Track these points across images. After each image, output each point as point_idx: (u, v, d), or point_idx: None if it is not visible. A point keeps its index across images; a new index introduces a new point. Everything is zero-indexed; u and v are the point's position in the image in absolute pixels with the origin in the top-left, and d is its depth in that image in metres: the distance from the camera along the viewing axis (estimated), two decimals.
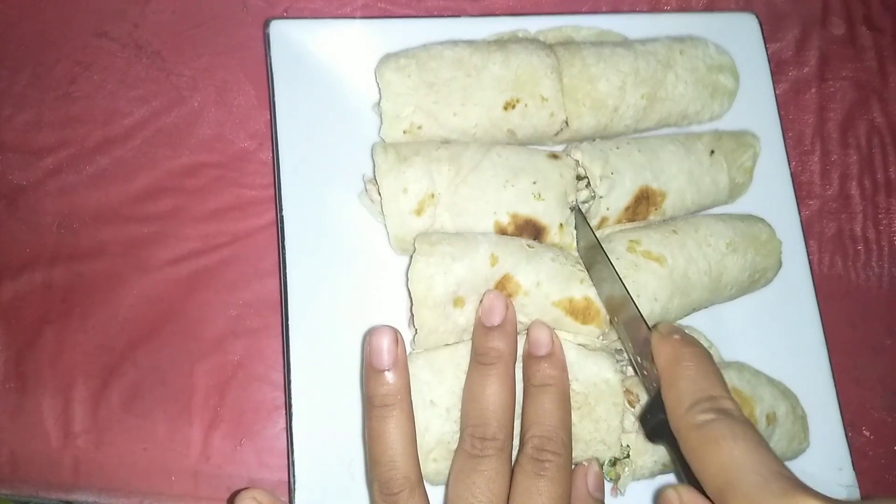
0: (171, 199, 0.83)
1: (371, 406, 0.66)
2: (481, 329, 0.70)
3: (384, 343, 0.66)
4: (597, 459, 0.71)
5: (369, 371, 0.67)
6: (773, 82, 0.91)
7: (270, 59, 0.77)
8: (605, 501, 0.70)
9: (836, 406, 0.81)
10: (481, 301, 0.70)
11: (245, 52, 0.87)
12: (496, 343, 0.68)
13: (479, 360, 0.69)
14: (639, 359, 0.68)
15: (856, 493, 0.79)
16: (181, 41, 0.87)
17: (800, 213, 0.85)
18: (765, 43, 0.89)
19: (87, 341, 0.79)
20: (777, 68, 0.96)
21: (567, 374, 0.70)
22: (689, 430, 0.55)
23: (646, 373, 0.67)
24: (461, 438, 0.67)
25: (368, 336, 0.67)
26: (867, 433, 0.87)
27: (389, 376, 0.66)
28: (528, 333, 0.71)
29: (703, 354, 0.60)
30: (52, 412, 0.77)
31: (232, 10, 0.88)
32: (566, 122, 0.79)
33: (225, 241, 0.82)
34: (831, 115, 0.96)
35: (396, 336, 0.66)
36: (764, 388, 0.76)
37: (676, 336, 0.61)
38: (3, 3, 0.86)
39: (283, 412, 0.75)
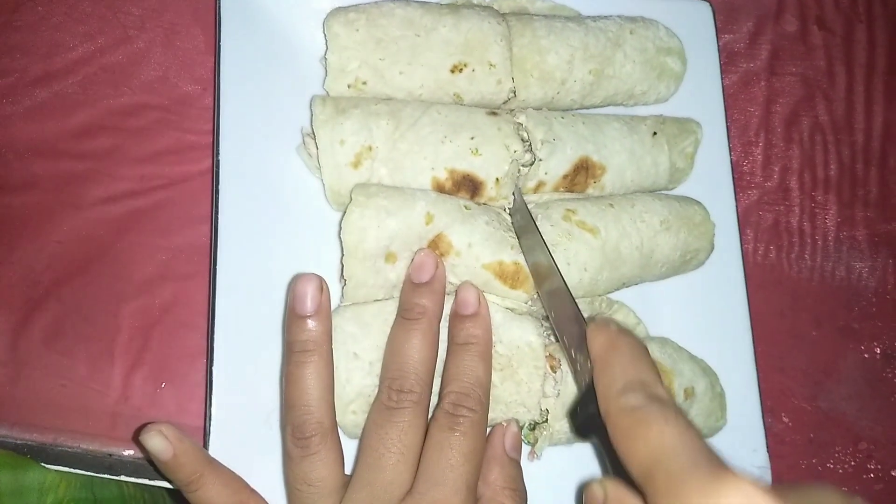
0: (109, 137, 0.83)
1: (291, 351, 0.67)
2: (409, 285, 0.72)
3: (308, 289, 0.67)
4: (516, 421, 0.73)
5: (291, 317, 0.68)
6: (724, 73, 0.95)
7: (220, 3, 0.78)
8: (522, 465, 0.73)
9: (756, 388, 0.84)
10: (412, 258, 0.72)
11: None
12: (422, 300, 0.70)
13: (404, 314, 0.70)
14: (573, 352, 0.69)
15: (768, 475, 0.82)
16: None
17: (737, 203, 0.88)
18: (717, 33, 0.92)
19: (11, 273, 0.79)
20: (729, 59, 0.99)
21: (491, 335, 0.72)
22: (619, 414, 0.54)
23: (579, 367, 0.68)
24: (379, 390, 0.69)
25: (293, 282, 0.68)
26: (786, 420, 0.91)
27: (311, 323, 0.67)
28: (456, 293, 0.72)
29: (638, 344, 0.60)
30: None
31: None
32: (513, 92, 0.81)
33: (161, 184, 0.83)
34: (778, 108, 0.99)
35: (321, 284, 0.68)
36: (685, 364, 0.79)
37: (612, 326, 0.62)
38: None
39: (203, 359, 0.76)
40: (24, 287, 0.78)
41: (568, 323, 0.69)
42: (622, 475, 0.53)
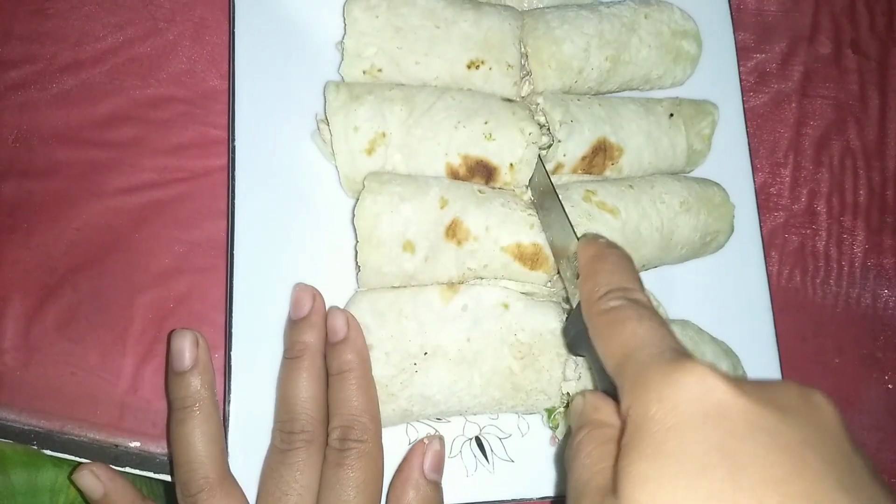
0: (133, 128, 0.86)
1: (172, 409, 0.70)
2: (290, 323, 0.74)
3: (185, 346, 0.71)
4: (439, 437, 0.74)
5: (170, 375, 0.71)
6: (755, 92, 0.97)
7: None
8: (544, 450, 0.76)
9: (778, 369, 0.85)
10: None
11: None
12: (303, 336, 0.72)
13: (287, 354, 0.73)
14: (568, 273, 0.71)
15: None
16: None
17: (755, 185, 0.90)
18: (731, 16, 0.94)
19: (28, 259, 0.81)
20: (760, 79, 1.01)
21: (367, 355, 0.72)
22: (598, 315, 0.58)
23: (573, 287, 0.71)
24: (272, 434, 0.71)
25: (170, 339, 0.72)
26: None
27: (190, 378, 0.70)
28: (326, 323, 0.73)
29: (623, 255, 0.63)
30: None
31: None
32: (530, 86, 0.84)
33: (182, 177, 0.85)
34: (808, 131, 1.01)
35: (196, 339, 0.71)
36: (706, 346, 0.80)
37: (601, 240, 0.66)
38: None
39: (219, 354, 0.78)
40: (40, 273, 0.81)
41: (562, 234, 0.72)
42: (609, 390, 0.57)
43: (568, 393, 0.75)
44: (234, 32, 0.80)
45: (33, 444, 0.77)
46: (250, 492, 0.70)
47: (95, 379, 0.79)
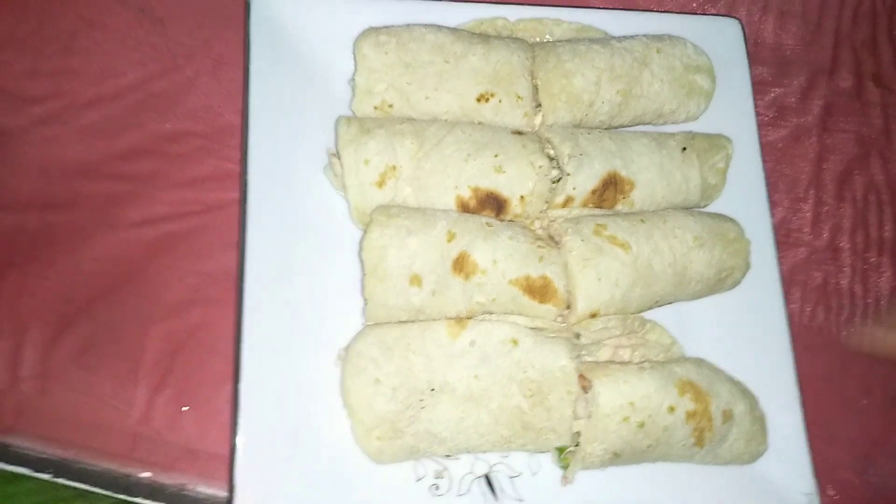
0: (151, 161, 0.89)
1: None
2: None
3: None
4: None
5: None
6: (774, 127, 0.97)
7: (249, 27, 0.84)
8: (554, 490, 0.77)
9: (799, 411, 0.84)
10: None
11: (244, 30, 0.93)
12: None
13: None
14: None
15: (816, 502, 0.81)
16: (185, 11, 0.95)
17: (773, 221, 0.90)
18: (747, 50, 0.94)
19: (47, 289, 0.84)
20: (779, 113, 1.01)
21: None
22: None
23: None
24: None
25: None
26: (832, 493, 0.90)
27: None
28: None
29: None
30: (2, 354, 0.82)
31: None
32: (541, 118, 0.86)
33: (197, 210, 0.88)
34: (829, 166, 1.01)
35: None
36: (722, 385, 0.80)
37: None
38: None
39: (229, 385, 0.79)
40: (58, 303, 0.84)
41: None
42: None
43: (578, 433, 0.76)
44: (248, 69, 0.83)
45: (49, 473, 0.79)
46: None
47: (109, 408, 0.81)
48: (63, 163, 0.88)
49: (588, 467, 0.77)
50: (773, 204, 0.92)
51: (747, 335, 0.87)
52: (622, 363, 0.79)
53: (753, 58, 0.96)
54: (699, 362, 0.82)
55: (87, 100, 0.91)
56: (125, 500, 0.79)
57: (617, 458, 0.76)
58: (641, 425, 0.75)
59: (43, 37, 0.92)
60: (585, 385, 0.76)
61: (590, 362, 0.78)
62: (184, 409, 0.82)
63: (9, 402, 0.81)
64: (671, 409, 0.75)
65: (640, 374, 0.77)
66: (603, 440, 0.75)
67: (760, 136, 0.93)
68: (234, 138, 0.90)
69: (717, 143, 0.89)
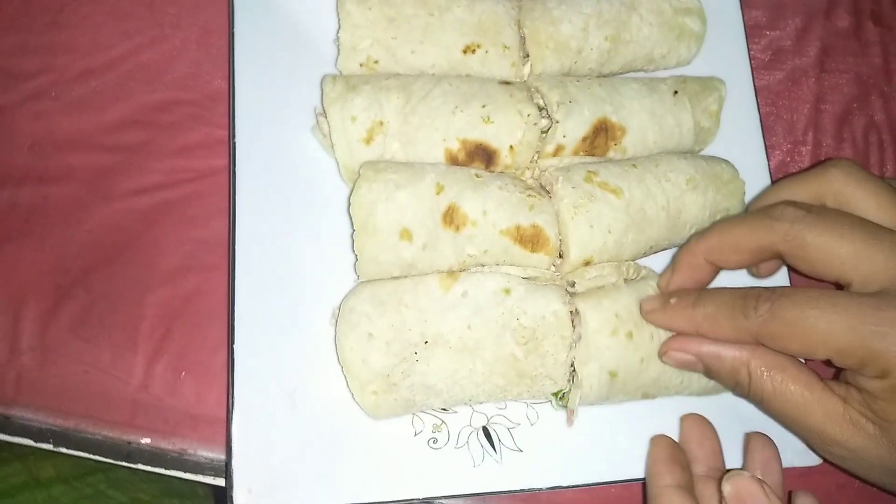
0: (142, 131, 0.89)
1: None
2: None
3: None
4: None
5: None
6: (770, 70, 0.95)
7: None
8: (561, 431, 0.78)
9: None
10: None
11: None
12: None
13: None
14: None
15: None
16: None
17: (769, 163, 0.88)
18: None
19: (43, 262, 0.84)
20: (775, 57, 0.99)
21: None
22: None
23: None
24: None
25: None
26: None
27: None
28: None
29: None
30: (1, 328, 0.82)
31: None
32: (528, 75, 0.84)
33: (189, 178, 0.88)
34: (828, 107, 0.98)
35: None
36: None
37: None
38: None
39: (227, 350, 0.80)
40: (54, 275, 0.84)
41: None
42: None
43: (573, 366, 0.74)
44: (233, 33, 0.82)
45: (49, 443, 0.80)
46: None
47: (108, 377, 0.81)
48: (55, 137, 0.88)
49: (587, 396, 0.75)
50: (771, 147, 0.90)
51: (746, 281, 0.84)
52: (600, 287, 0.77)
53: (747, 1, 0.94)
54: None
55: (77, 73, 0.90)
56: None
57: (614, 378, 0.74)
58: (630, 335, 0.74)
59: (30, 13, 0.92)
60: (573, 315, 0.75)
61: (574, 294, 0.77)
62: (182, 374, 0.82)
63: (9, 374, 0.81)
64: None
65: (617, 288, 0.76)
66: (597, 358, 0.73)
67: (756, 80, 0.91)
68: (223, 105, 0.89)
69: (709, 85, 0.87)
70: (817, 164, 0.80)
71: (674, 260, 0.76)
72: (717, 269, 0.74)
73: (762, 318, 0.64)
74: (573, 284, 0.78)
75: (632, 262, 0.81)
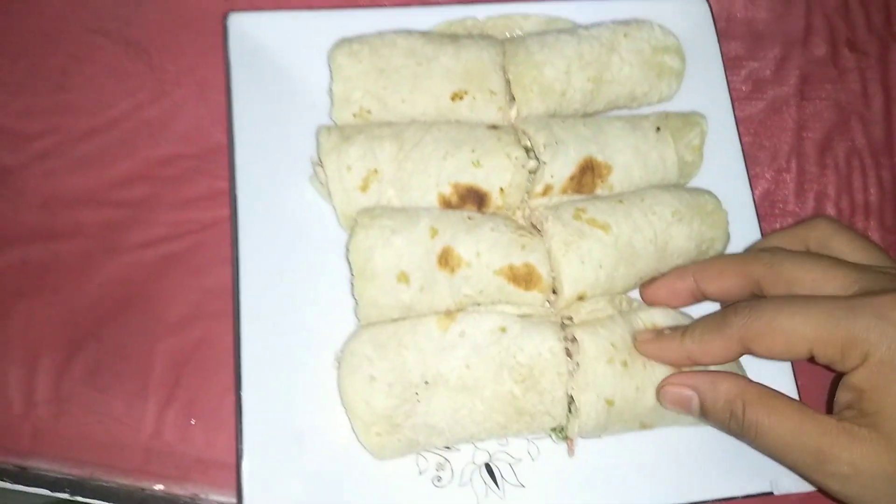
0: (146, 186, 0.92)
1: None
2: None
3: None
4: None
5: None
6: (751, 100, 0.97)
7: (228, 48, 0.86)
8: (561, 465, 0.80)
9: (792, 377, 0.85)
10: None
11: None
12: None
13: None
14: None
15: None
16: (168, 40, 0.97)
17: (753, 193, 0.90)
18: (717, 25, 0.95)
19: (56, 316, 0.87)
20: (755, 87, 1.02)
21: None
22: None
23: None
24: None
25: None
26: None
27: None
28: None
29: None
30: (16, 381, 0.84)
31: (217, 11, 0.96)
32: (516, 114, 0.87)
33: (193, 229, 0.90)
34: (810, 134, 1.01)
35: None
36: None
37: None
38: None
39: (235, 394, 0.82)
40: (66, 328, 0.86)
41: None
42: None
43: (571, 397, 0.76)
44: (230, 89, 0.85)
45: (66, 492, 0.82)
46: None
47: (121, 426, 0.83)
48: (63, 194, 0.91)
49: (586, 426, 0.76)
50: (755, 176, 0.92)
51: None
52: (594, 319, 0.80)
53: (725, 34, 0.97)
54: (665, 310, 0.82)
55: (82, 132, 0.93)
56: None
57: (611, 406, 0.76)
58: (625, 364, 0.76)
59: (36, 76, 0.95)
60: (570, 343, 0.77)
61: (568, 325, 0.79)
62: (192, 421, 0.84)
63: (25, 427, 0.83)
64: None
65: (612, 319, 0.79)
66: (594, 386, 0.75)
67: (738, 110, 0.93)
68: (224, 157, 0.91)
69: (690, 120, 0.89)
70: (803, 220, 0.86)
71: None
72: (698, 293, 0.77)
73: (744, 322, 0.68)
74: (570, 319, 0.80)
75: (624, 296, 0.83)
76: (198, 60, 0.96)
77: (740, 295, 0.76)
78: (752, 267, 0.73)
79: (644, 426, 0.80)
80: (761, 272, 0.72)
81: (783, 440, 0.67)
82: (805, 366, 0.83)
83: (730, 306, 0.71)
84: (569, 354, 0.77)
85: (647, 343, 0.76)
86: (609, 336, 0.77)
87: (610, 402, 0.76)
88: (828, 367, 0.67)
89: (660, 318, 0.80)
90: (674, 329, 0.76)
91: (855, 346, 0.63)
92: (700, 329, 0.73)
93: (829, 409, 0.69)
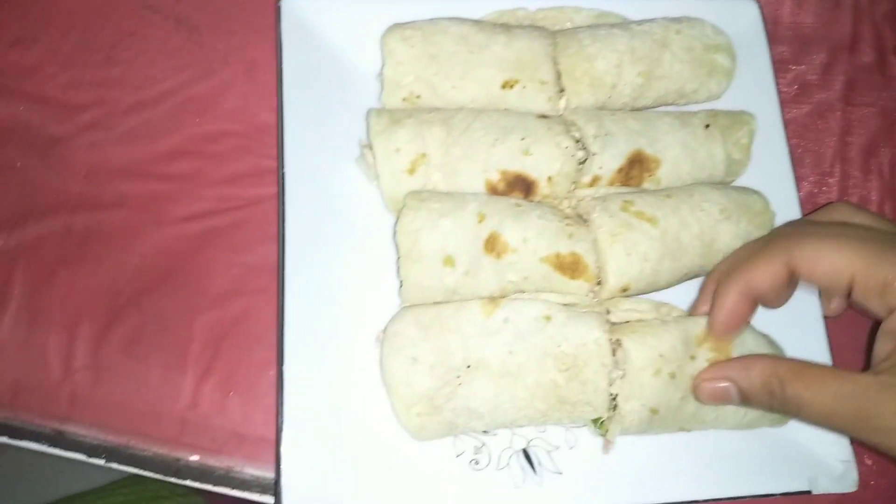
0: (192, 161, 0.92)
1: None
2: None
3: None
4: None
5: None
6: (796, 104, 0.97)
7: (280, 30, 0.86)
8: (599, 455, 0.78)
9: None
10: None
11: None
12: None
13: None
14: None
15: (852, 470, 0.80)
16: (219, 18, 0.97)
17: (798, 194, 0.89)
18: (765, 28, 0.94)
19: (97, 285, 0.87)
20: (801, 90, 1.01)
21: None
22: None
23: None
24: None
25: None
26: (869, 462, 0.88)
27: None
28: None
29: None
30: (56, 347, 0.84)
31: None
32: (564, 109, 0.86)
33: (237, 205, 0.90)
34: (854, 139, 1.00)
35: None
36: (747, 334, 0.78)
37: None
38: None
39: (273, 370, 0.81)
40: (107, 297, 0.86)
41: None
42: None
43: (615, 396, 0.75)
44: (281, 69, 0.85)
45: (102, 458, 0.81)
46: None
47: (158, 396, 0.83)
48: (109, 166, 0.91)
49: (627, 429, 0.76)
50: (798, 179, 0.91)
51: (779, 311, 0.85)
52: (642, 321, 0.78)
53: (772, 37, 0.96)
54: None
55: (129, 106, 0.93)
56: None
57: (654, 414, 0.75)
58: (672, 376, 0.74)
59: (86, 49, 0.95)
60: (614, 347, 0.76)
61: (614, 324, 0.78)
62: (230, 394, 0.84)
63: (64, 392, 0.83)
64: (692, 358, 0.75)
65: (664, 326, 0.77)
66: (640, 396, 0.74)
67: (783, 113, 0.92)
68: (269, 136, 0.92)
69: (739, 119, 0.88)
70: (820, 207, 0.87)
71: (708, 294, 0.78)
72: (755, 302, 0.75)
73: (793, 241, 0.70)
74: (609, 312, 0.79)
75: (669, 305, 0.81)
76: (247, 40, 0.96)
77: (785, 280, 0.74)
78: (780, 238, 0.73)
79: (683, 429, 0.79)
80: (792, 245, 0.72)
81: (825, 408, 0.66)
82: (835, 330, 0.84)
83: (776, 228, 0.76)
84: (613, 352, 0.76)
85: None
86: (658, 346, 0.75)
87: (654, 411, 0.75)
88: (863, 313, 0.68)
89: None
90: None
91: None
92: (744, 251, 0.74)
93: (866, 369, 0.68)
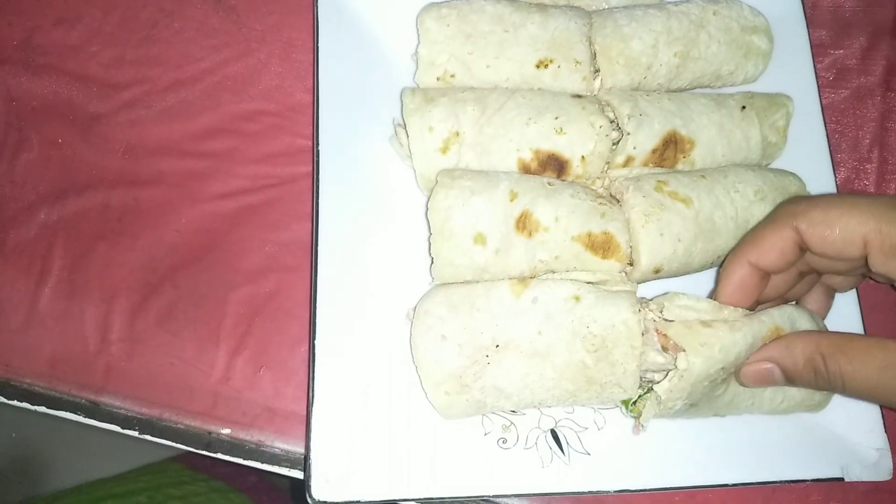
0: (228, 139, 0.91)
1: None
2: None
3: None
4: None
5: None
6: (835, 88, 0.94)
7: (317, 10, 0.85)
8: (628, 436, 0.77)
9: None
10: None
11: (312, 14, 0.95)
12: None
13: None
14: None
15: (887, 458, 0.78)
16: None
17: (836, 178, 0.87)
18: (804, 10, 0.92)
19: (134, 260, 0.87)
20: (839, 75, 0.98)
21: None
22: None
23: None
24: None
25: None
26: None
27: None
28: None
29: None
30: (93, 320, 0.85)
31: None
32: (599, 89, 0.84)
33: (272, 183, 0.90)
34: (893, 125, 0.96)
35: None
36: (794, 314, 0.75)
37: None
38: None
39: (304, 347, 0.81)
40: (144, 272, 0.86)
41: None
42: None
43: (651, 381, 0.73)
44: (317, 49, 0.84)
45: (136, 430, 0.82)
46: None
47: (191, 369, 0.83)
48: (147, 143, 0.91)
49: (662, 416, 0.74)
50: (836, 164, 0.88)
51: None
52: (703, 322, 0.72)
53: (811, 21, 0.93)
54: (782, 307, 0.75)
55: (168, 84, 0.93)
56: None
57: (693, 408, 0.73)
58: (724, 381, 0.73)
59: (127, 29, 0.95)
60: (666, 344, 0.72)
61: (675, 324, 0.72)
62: (261, 370, 0.84)
63: (99, 364, 0.83)
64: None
65: (733, 335, 0.70)
66: (688, 396, 0.71)
67: (821, 97, 0.90)
68: (304, 116, 0.92)
69: (776, 101, 0.86)
70: None
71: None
72: (764, 275, 0.73)
73: (799, 207, 0.67)
74: (661, 310, 0.74)
75: (733, 308, 0.74)
76: (284, 20, 0.96)
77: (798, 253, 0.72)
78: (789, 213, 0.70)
79: (717, 415, 0.77)
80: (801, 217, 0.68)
81: (870, 380, 0.64)
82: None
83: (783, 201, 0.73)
84: (664, 349, 0.72)
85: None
86: (724, 360, 0.70)
87: (693, 405, 0.74)
88: (884, 281, 0.65)
89: (776, 313, 0.73)
90: None
91: None
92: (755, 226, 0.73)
93: None
